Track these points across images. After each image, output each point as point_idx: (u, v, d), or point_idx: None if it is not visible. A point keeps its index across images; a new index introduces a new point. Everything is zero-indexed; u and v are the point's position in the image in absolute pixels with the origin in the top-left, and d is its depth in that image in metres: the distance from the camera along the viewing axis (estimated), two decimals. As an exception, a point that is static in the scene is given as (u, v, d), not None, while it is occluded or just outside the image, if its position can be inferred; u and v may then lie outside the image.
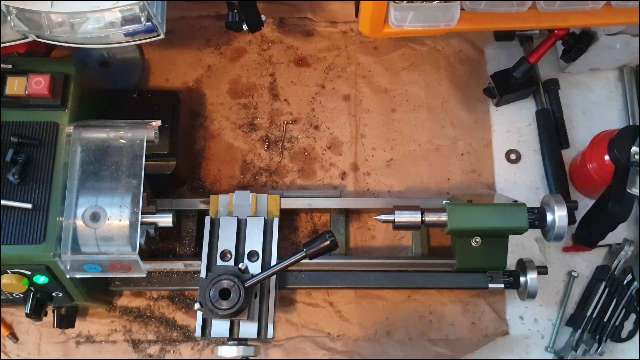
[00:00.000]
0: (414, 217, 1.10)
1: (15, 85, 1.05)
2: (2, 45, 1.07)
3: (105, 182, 1.03)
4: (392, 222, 1.10)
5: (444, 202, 1.15)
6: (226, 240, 1.16)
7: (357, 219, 1.34)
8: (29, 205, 1.00)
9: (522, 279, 1.18)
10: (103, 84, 1.28)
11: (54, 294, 1.10)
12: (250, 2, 1.14)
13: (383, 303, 1.28)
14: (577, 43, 1.31)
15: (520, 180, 1.36)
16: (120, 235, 1.01)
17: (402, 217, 1.10)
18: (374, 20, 1.02)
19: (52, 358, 1.25)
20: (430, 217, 1.10)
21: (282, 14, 1.46)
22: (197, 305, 1.01)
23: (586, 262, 1.32)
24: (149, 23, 1.03)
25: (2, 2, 0.98)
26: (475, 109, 1.41)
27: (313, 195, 1.29)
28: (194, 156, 1.37)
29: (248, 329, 1.08)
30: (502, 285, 1.19)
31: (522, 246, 1.32)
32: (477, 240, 1.13)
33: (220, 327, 1.08)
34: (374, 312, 1.28)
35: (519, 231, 1.10)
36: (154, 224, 1.10)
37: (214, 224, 1.18)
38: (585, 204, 1.31)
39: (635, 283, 1.26)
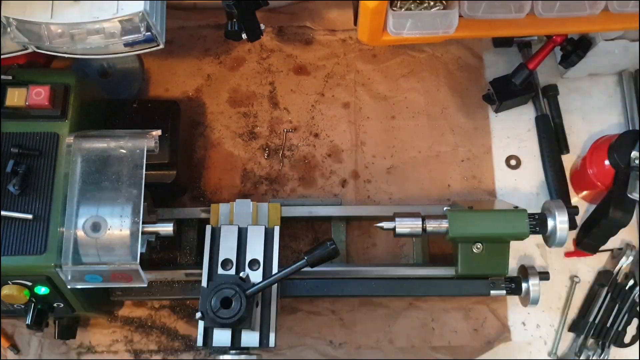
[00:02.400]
0: (415, 224, 1.10)
1: (15, 97, 1.05)
2: (2, 56, 1.07)
3: (105, 192, 1.03)
4: (393, 229, 1.10)
5: (445, 208, 1.15)
6: (227, 249, 1.15)
7: (357, 226, 1.33)
8: (29, 216, 1.00)
9: (524, 285, 1.18)
10: (103, 94, 1.28)
11: (55, 305, 1.10)
12: (249, 11, 1.15)
13: (385, 310, 1.28)
14: (575, 49, 1.31)
15: (521, 186, 1.36)
16: (121, 245, 1.01)
17: (403, 224, 1.10)
18: (372, 28, 1.03)
19: (53, 369, 1.25)
20: (431, 224, 1.10)
21: (281, 22, 1.46)
22: (198, 315, 1.01)
23: (588, 267, 1.31)
24: (149, 33, 1.04)
25: (2, 13, 0.99)
26: (474, 116, 1.41)
27: (314, 203, 1.29)
28: (194, 165, 1.37)
29: (250, 337, 1.08)
30: (504, 292, 1.19)
31: (523, 252, 1.32)
32: (479, 246, 1.12)
33: (222, 337, 1.07)
34: (376, 319, 1.27)
35: (520, 237, 1.10)
36: (155, 233, 1.10)
37: (215, 233, 1.18)
38: (586, 209, 1.31)
39: (638, 288, 1.26)
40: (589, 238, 1.25)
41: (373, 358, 1.26)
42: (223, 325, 1.01)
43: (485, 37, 1.43)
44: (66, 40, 1.03)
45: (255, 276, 1.13)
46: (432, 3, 1.03)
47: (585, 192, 1.33)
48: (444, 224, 1.09)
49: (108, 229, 1.01)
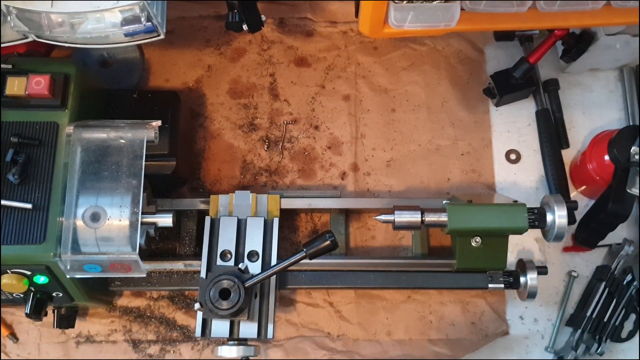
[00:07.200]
0: (414, 217, 1.10)
1: (15, 85, 1.05)
2: (2, 45, 1.07)
3: (105, 182, 1.03)
4: (392, 222, 1.10)
5: (444, 202, 1.15)
6: (226, 240, 1.16)
7: (357, 219, 1.34)
8: (29, 206, 1.00)
9: (522, 279, 1.18)
10: (103, 84, 1.28)
11: (54, 294, 1.10)
12: (250, 2, 1.14)
13: (383, 303, 1.28)
14: (577, 43, 1.31)
15: (520, 180, 1.36)
16: (120, 235, 1.01)
17: (402, 217, 1.10)
18: (374, 20, 1.02)
19: (52, 358, 1.25)
20: (430, 217, 1.10)
21: (282, 14, 1.46)
22: (197, 305, 1.01)
23: (586, 262, 1.32)
24: (149, 23, 1.03)
25: (2, 2, 0.98)
26: (475, 109, 1.41)
27: (313, 196, 1.29)
28: (194, 156, 1.37)
29: (248, 329, 1.08)
30: (502, 285, 1.19)
31: (522, 246, 1.32)
32: (477, 240, 1.12)
33: (220, 327, 1.08)
34: (374, 312, 1.28)
35: (519, 231, 1.10)
36: (154, 224, 1.10)
37: (214, 224, 1.18)
38: (585, 204, 1.31)
39: (635, 283, 1.26)
40: (587, 233, 1.25)
41: (371, 350, 1.26)
42: (221, 316, 1.01)
43: (486, 31, 1.43)
44: (66, 29, 1.03)
45: (254, 267, 1.13)
46: (433, -4, 1.02)
47: (584, 187, 1.33)
48: (443, 217, 1.09)
49: (107, 219, 1.01)
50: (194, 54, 1.44)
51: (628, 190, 1.15)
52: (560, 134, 1.38)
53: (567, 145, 1.38)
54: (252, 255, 1.15)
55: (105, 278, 1.20)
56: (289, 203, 1.24)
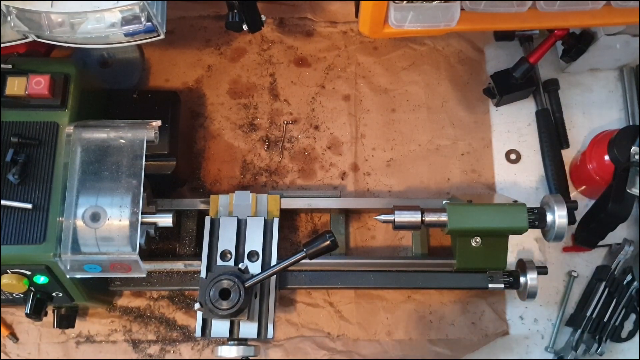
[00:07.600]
0: (414, 217, 1.10)
1: (15, 85, 1.05)
2: (2, 45, 1.07)
3: (105, 182, 1.03)
4: (392, 222, 1.10)
5: (444, 202, 1.15)
6: (226, 240, 1.16)
7: (357, 219, 1.34)
8: (29, 206, 1.00)
9: (522, 279, 1.18)
10: (103, 84, 1.28)
11: (54, 294, 1.10)
12: (250, 2, 1.14)
13: (383, 303, 1.28)
14: (577, 43, 1.31)
15: (520, 180, 1.36)
16: (120, 235, 1.01)
17: (402, 217, 1.10)
18: (374, 20, 1.02)
19: (52, 358, 1.25)
20: (430, 217, 1.10)
21: (282, 14, 1.46)
22: (197, 305, 1.01)
23: (586, 262, 1.32)
24: (149, 23, 1.03)
25: (2, 2, 0.98)
26: (475, 109, 1.41)
27: (313, 196, 1.29)
28: (194, 156, 1.37)
29: (248, 329, 1.08)
30: (502, 285, 1.19)
31: (522, 246, 1.32)
32: (477, 240, 1.13)
33: (220, 327, 1.08)
34: (374, 312, 1.28)
35: (519, 231, 1.10)
36: (154, 224, 1.10)
37: (214, 224, 1.18)
38: (585, 204, 1.31)
39: (635, 283, 1.26)
40: (587, 233, 1.25)
41: (371, 350, 1.26)
42: (221, 316, 1.01)
43: (486, 31, 1.43)
44: (66, 29, 1.03)
45: (254, 267, 1.13)
46: (434, -5, 1.02)
47: (584, 187, 1.33)
48: (443, 217, 1.09)
49: (107, 219, 1.01)
50: (194, 54, 1.44)
51: (628, 190, 1.15)
52: (560, 134, 1.38)
53: (567, 145, 1.38)
54: (252, 255, 1.15)
55: (105, 278, 1.20)
56: (289, 203, 1.24)
